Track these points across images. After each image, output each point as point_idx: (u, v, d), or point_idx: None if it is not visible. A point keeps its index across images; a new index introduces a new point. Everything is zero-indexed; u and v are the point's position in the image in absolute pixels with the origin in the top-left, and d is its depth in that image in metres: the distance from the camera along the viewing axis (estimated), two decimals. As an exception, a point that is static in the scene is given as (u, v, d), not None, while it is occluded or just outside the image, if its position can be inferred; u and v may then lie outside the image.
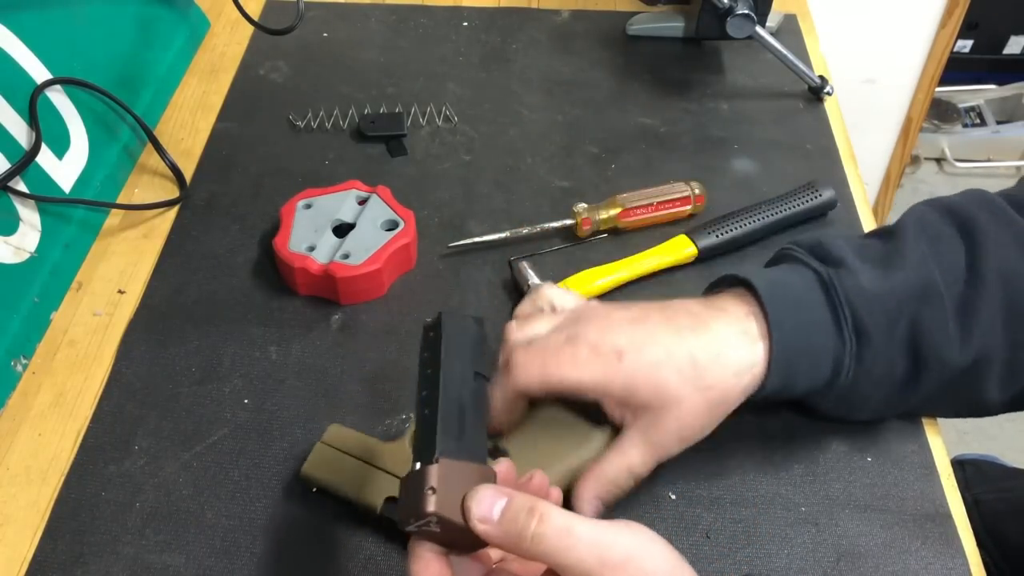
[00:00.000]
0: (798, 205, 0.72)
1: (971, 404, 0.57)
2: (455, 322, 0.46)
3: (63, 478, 0.57)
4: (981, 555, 0.55)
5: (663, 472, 0.58)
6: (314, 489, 0.56)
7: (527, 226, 0.72)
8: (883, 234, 0.57)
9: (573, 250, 0.71)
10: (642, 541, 0.40)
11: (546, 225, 0.72)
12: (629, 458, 0.52)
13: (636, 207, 0.72)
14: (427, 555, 0.41)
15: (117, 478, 0.57)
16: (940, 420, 0.61)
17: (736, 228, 0.70)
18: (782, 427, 0.60)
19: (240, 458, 0.58)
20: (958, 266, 0.54)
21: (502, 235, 0.71)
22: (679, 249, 0.69)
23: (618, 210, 0.72)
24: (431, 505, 0.39)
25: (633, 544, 0.40)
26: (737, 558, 0.54)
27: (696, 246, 0.69)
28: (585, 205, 0.72)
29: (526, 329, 0.54)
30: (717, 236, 0.70)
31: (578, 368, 0.51)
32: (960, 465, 0.89)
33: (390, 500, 0.53)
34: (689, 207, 0.73)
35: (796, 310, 0.53)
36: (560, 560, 0.39)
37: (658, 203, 0.72)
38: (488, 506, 0.40)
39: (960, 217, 0.56)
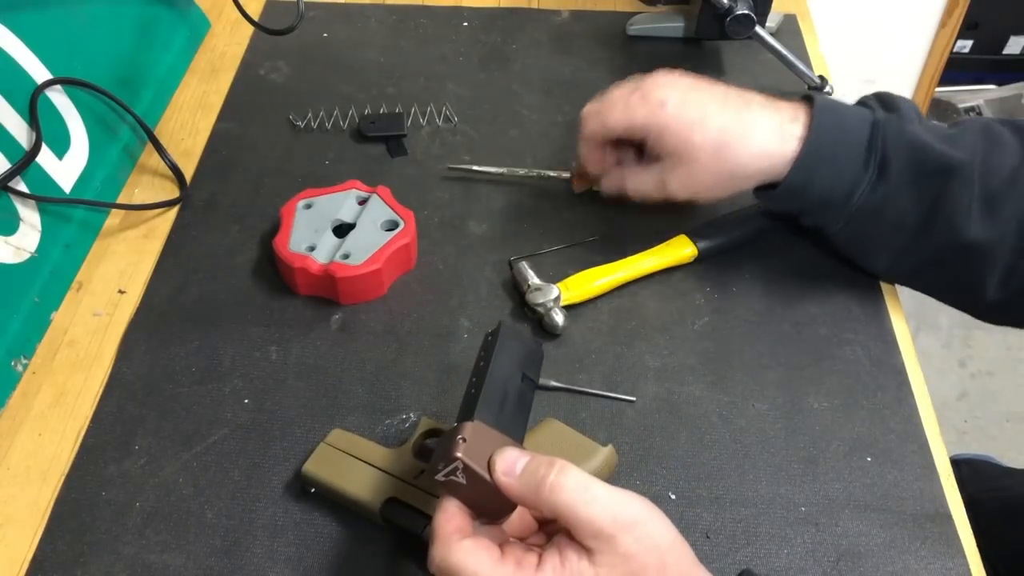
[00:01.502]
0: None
1: (969, 289, 0.62)
2: (513, 332, 0.51)
3: (63, 478, 0.57)
4: (979, 555, 0.55)
5: (663, 472, 0.58)
6: (312, 490, 0.56)
7: (525, 167, 0.77)
8: (954, 124, 0.63)
9: (572, 251, 0.71)
10: (651, 511, 0.43)
11: (543, 172, 0.76)
12: (645, 181, 0.66)
13: None
14: (453, 507, 0.45)
15: (117, 478, 0.57)
16: (940, 420, 0.61)
17: (736, 228, 0.70)
18: (782, 426, 0.60)
19: (240, 458, 0.58)
20: (1004, 166, 0.59)
21: (500, 170, 0.77)
22: (679, 249, 0.69)
23: None
24: (460, 451, 0.43)
25: (644, 511, 0.43)
26: (737, 558, 0.54)
27: (696, 246, 0.69)
28: None
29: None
30: (717, 236, 0.70)
31: (628, 111, 0.63)
32: (956, 465, 0.89)
33: (391, 501, 0.53)
34: None
35: (838, 129, 0.60)
36: (577, 513, 0.42)
37: None
38: (512, 462, 0.44)
39: None
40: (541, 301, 0.65)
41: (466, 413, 0.46)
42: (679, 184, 0.64)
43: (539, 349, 0.53)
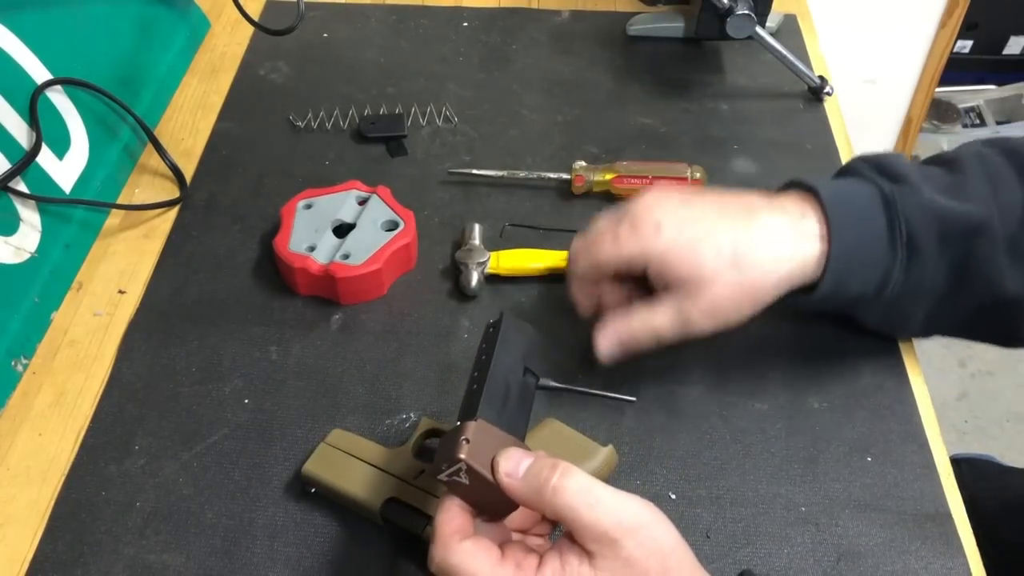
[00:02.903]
0: None
1: (1004, 334, 0.60)
2: (514, 324, 0.51)
3: (63, 478, 0.57)
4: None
5: (663, 472, 0.58)
6: (312, 490, 0.56)
7: (525, 169, 0.76)
8: (944, 162, 0.59)
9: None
10: (653, 514, 0.43)
11: (543, 174, 0.76)
12: (656, 317, 0.56)
13: (631, 176, 0.74)
14: (454, 508, 0.44)
15: (117, 478, 0.57)
16: (940, 420, 0.61)
17: None
18: (782, 426, 0.60)
19: (240, 458, 0.58)
20: (1015, 208, 0.56)
21: (500, 173, 0.75)
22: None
23: (613, 175, 0.74)
24: (463, 452, 0.43)
25: (647, 514, 0.42)
26: (737, 558, 0.54)
27: None
28: (584, 164, 0.75)
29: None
30: None
31: (618, 245, 0.55)
32: (956, 464, 0.89)
33: (391, 501, 0.53)
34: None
35: (856, 219, 0.55)
36: (577, 516, 0.41)
37: (653, 177, 0.74)
38: (515, 463, 0.43)
39: (1022, 157, 0.58)
40: (466, 260, 0.67)
41: (468, 411, 0.46)
42: (701, 313, 0.55)
43: (538, 337, 0.52)
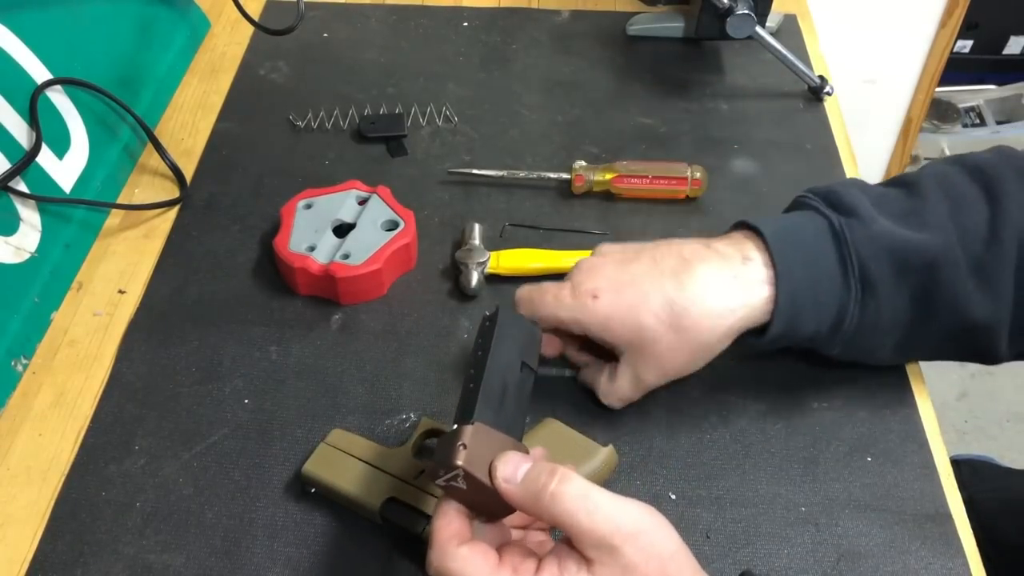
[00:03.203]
0: None
1: (981, 355, 0.58)
2: (511, 317, 0.50)
3: (63, 478, 0.57)
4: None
5: (663, 472, 0.58)
6: (312, 490, 0.56)
7: (525, 169, 0.76)
8: (903, 185, 0.58)
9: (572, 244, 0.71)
10: (655, 519, 0.42)
11: (543, 173, 0.76)
12: (620, 386, 0.57)
13: (631, 176, 0.74)
14: (451, 512, 0.44)
15: (117, 478, 0.57)
16: (940, 420, 0.61)
17: None
18: (782, 426, 0.60)
19: (240, 458, 0.58)
20: (979, 228, 0.54)
21: (500, 173, 0.75)
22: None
23: (613, 175, 0.74)
24: (460, 459, 0.42)
25: (646, 520, 0.42)
26: (737, 558, 0.54)
27: None
28: (584, 163, 0.75)
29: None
30: None
31: (559, 307, 0.56)
32: (956, 465, 0.89)
33: (390, 501, 0.53)
34: (685, 188, 0.74)
35: (803, 257, 0.54)
36: (577, 522, 0.41)
37: (653, 177, 0.74)
38: (513, 468, 0.43)
39: (987, 177, 0.56)
40: (466, 260, 0.67)
41: (465, 412, 0.45)
42: (652, 374, 0.56)
43: (537, 332, 0.52)
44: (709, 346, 0.55)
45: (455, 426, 0.45)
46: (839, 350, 0.57)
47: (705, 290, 0.53)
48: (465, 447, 0.43)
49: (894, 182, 0.59)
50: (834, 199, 0.56)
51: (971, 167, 0.57)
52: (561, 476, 0.42)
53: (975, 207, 0.55)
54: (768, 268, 0.54)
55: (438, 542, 0.43)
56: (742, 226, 0.57)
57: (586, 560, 0.41)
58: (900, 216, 0.55)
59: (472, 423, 0.44)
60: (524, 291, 0.58)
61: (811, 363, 0.63)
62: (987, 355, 0.57)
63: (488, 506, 0.45)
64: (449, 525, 0.44)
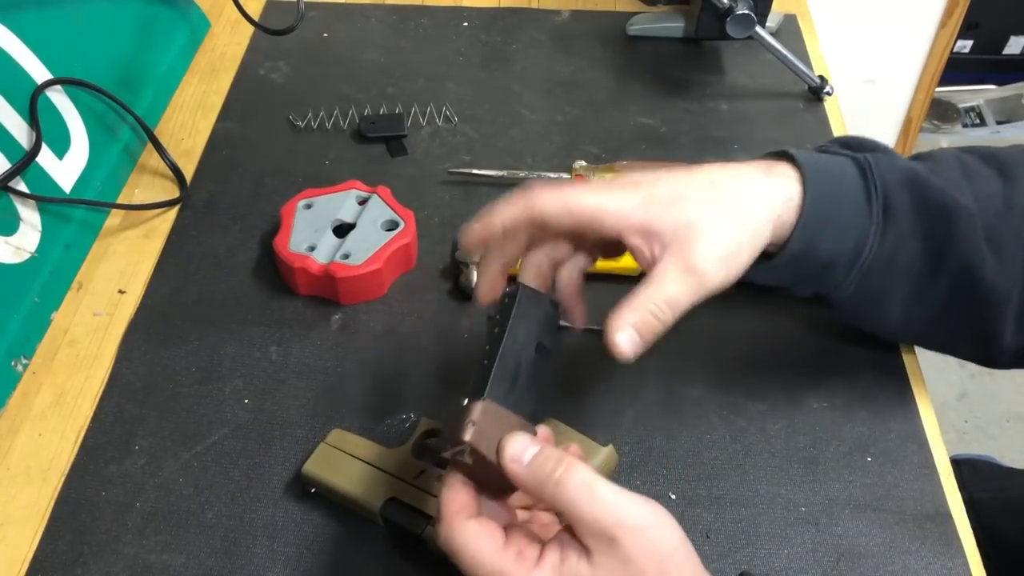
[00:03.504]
0: None
1: (985, 337, 0.56)
2: (531, 295, 0.49)
3: (63, 478, 0.57)
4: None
5: (663, 472, 0.58)
6: (312, 490, 0.56)
7: (525, 169, 0.77)
8: (917, 158, 0.57)
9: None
10: (658, 515, 0.42)
11: (543, 174, 0.76)
12: (666, 287, 0.47)
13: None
14: (458, 484, 0.44)
15: (117, 478, 0.57)
16: (940, 419, 0.61)
17: None
18: (782, 426, 0.60)
19: (240, 458, 0.58)
20: (994, 199, 0.54)
21: (500, 173, 0.76)
22: (628, 259, 0.68)
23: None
24: (468, 435, 0.43)
25: (649, 515, 0.42)
26: (737, 558, 0.54)
27: None
28: (584, 164, 0.75)
29: None
30: None
31: (597, 194, 0.48)
32: (956, 465, 0.89)
33: (391, 501, 0.53)
34: None
35: (829, 173, 0.52)
36: (579, 512, 0.41)
37: None
38: (520, 449, 0.43)
39: (1000, 160, 0.56)
40: (466, 260, 0.67)
41: (477, 389, 0.45)
42: (710, 258, 0.48)
43: (557, 311, 0.50)
44: (756, 227, 0.49)
45: (466, 401, 0.45)
46: (853, 288, 0.54)
47: (742, 174, 0.51)
48: (474, 424, 0.43)
49: (910, 157, 0.59)
50: (855, 143, 0.57)
51: (986, 154, 0.57)
52: (567, 465, 0.42)
53: (988, 181, 0.55)
54: (796, 172, 0.51)
55: (446, 514, 0.43)
56: (769, 155, 0.55)
57: (586, 549, 0.42)
58: (926, 169, 0.54)
59: (483, 400, 0.44)
60: (543, 183, 0.50)
61: (811, 363, 0.64)
62: (992, 336, 0.56)
63: (494, 483, 0.45)
64: (456, 498, 0.44)
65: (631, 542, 0.41)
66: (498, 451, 0.43)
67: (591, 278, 0.68)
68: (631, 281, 0.68)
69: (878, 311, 0.56)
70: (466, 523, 0.43)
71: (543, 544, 0.43)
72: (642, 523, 0.41)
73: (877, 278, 0.53)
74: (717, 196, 0.49)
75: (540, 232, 0.50)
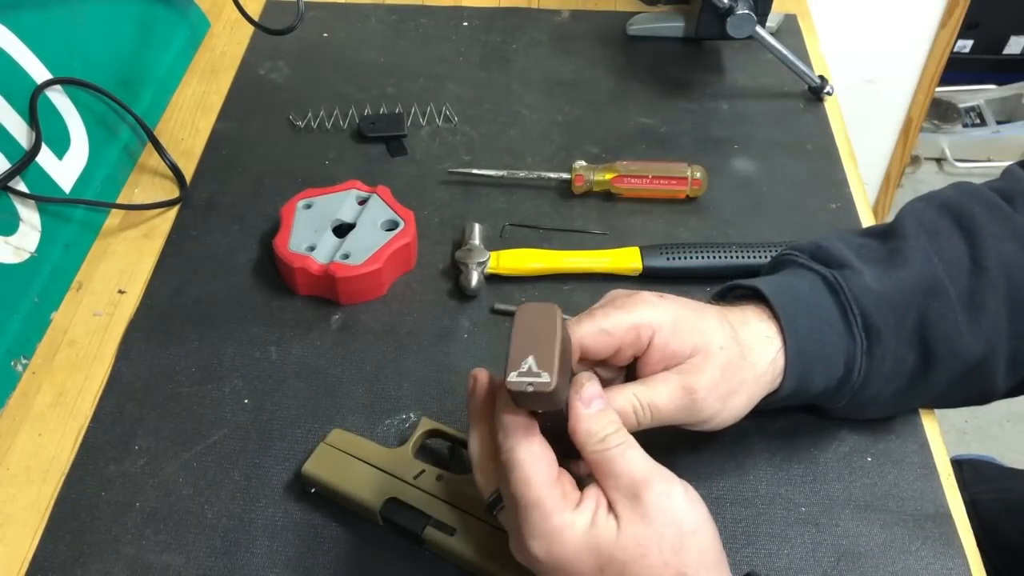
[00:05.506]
0: (763, 257, 0.68)
1: (980, 393, 0.57)
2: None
3: (63, 478, 0.57)
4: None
5: (663, 472, 0.58)
6: (312, 490, 0.56)
7: (525, 169, 0.76)
8: (880, 233, 0.58)
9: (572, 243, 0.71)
10: (689, 495, 0.44)
11: (543, 173, 0.76)
12: (657, 392, 0.48)
13: (631, 176, 0.74)
14: (513, 406, 0.43)
15: (117, 478, 0.57)
16: (940, 420, 0.61)
17: (688, 258, 0.68)
18: (782, 427, 0.60)
19: (240, 458, 0.58)
20: (961, 260, 0.54)
21: (500, 173, 0.75)
22: (627, 260, 0.69)
23: (613, 175, 0.74)
24: (557, 361, 0.40)
25: (679, 490, 0.43)
26: (737, 558, 0.54)
27: (643, 263, 0.68)
28: (584, 163, 0.75)
29: None
30: (667, 259, 0.68)
31: (627, 309, 0.49)
32: (957, 465, 0.89)
33: (391, 501, 0.53)
34: (685, 188, 0.74)
35: (806, 312, 0.53)
36: (614, 466, 0.43)
37: (653, 177, 0.74)
38: (594, 394, 0.44)
39: (956, 212, 0.56)
40: (466, 260, 0.67)
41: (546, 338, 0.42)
42: (708, 390, 0.49)
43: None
44: (760, 374, 0.51)
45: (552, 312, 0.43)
46: (843, 404, 0.56)
47: (753, 339, 0.52)
48: (560, 358, 0.41)
49: (870, 232, 0.58)
50: (821, 254, 0.56)
51: (939, 205, 0.57)
52: (621, 426, 0.44)
53: (951, 240, 0.55)
54: (772, 322, 0.52)
55: (511, 426, 0.42)
56: (733, 289, 0.56)
57: (613, 505, 0.43)
58: (883, 259, 0.55)
59: (560, 338, 0.42)
60: (573, 319, 0.49)
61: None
62: (983, 393, 0.57)
63: (540, 421, 0.44)
64: (517, 415, 0.43)
65: (654, 504, 0.42)
66: (574, 384, 0.44)
67: (589, 278, 0.68)
68: (630, 280, 0.69)
69: (871, 409, 0.57)
70: (532, 440, 0.42)
71: (581, 491, 0.44)
72: (669, 492, 0.43)
73: (869, 387, 0.55)
74: (735, 338, 0.51)
75: None
